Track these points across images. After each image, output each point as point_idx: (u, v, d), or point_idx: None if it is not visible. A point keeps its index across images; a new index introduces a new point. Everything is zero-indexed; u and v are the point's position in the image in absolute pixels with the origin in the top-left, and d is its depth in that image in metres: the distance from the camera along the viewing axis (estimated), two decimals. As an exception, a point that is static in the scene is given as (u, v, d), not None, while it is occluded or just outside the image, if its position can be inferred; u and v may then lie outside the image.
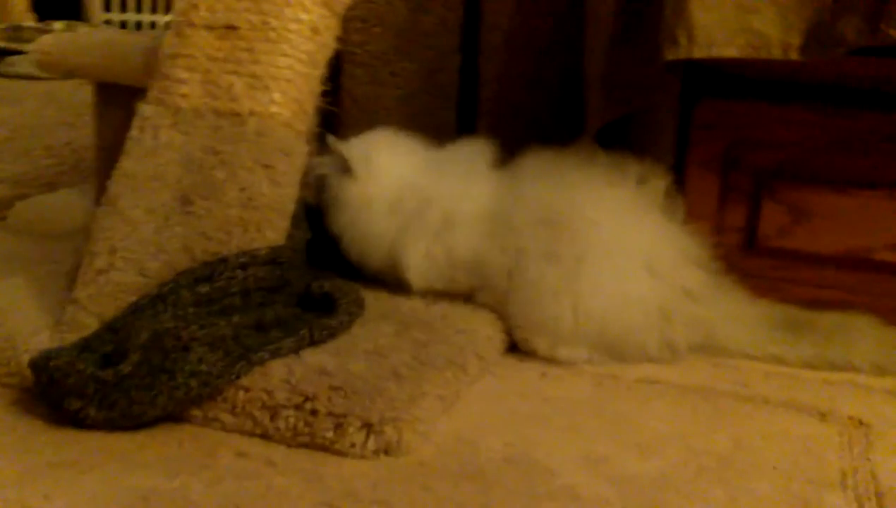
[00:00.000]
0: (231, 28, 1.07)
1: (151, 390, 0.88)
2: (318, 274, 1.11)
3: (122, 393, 0.87)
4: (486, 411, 0.99)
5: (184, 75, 1.06)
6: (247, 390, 0.91)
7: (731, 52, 1.08)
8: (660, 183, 1.15)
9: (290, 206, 1.05)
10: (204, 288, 0.97)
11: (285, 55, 1.05)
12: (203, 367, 0.89)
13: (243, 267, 1.00)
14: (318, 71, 1.09)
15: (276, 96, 1.04)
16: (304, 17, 1.07)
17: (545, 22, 1.41)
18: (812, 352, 1.12)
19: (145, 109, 1.07)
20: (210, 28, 1.07)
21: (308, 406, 0.89)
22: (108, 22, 4.51)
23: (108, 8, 4.57)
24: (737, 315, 1.15)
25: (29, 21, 4.13)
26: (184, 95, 1.06)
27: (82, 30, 3.98)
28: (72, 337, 0.96)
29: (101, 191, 1.57)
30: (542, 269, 1.09)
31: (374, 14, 1.46)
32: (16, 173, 1.97)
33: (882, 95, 1.15)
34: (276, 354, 0.94)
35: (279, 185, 1.03)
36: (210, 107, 1.05)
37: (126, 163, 1.05)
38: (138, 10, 4.61)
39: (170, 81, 1.07)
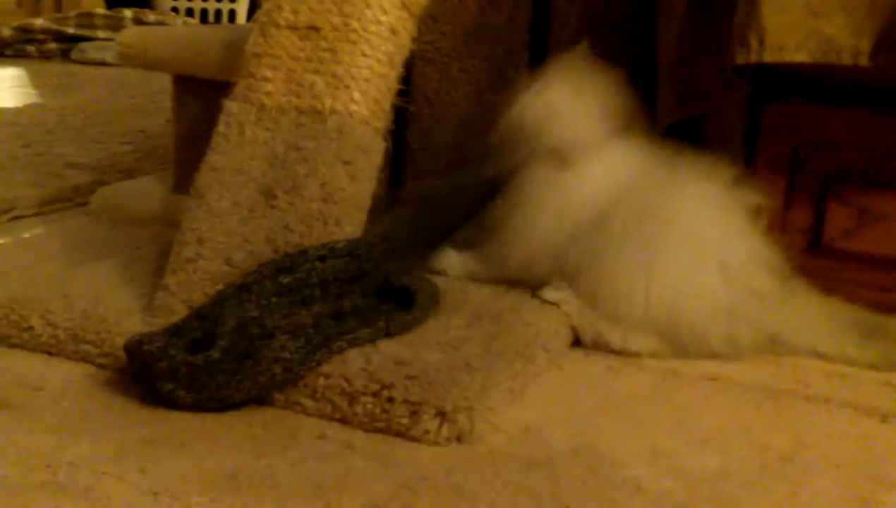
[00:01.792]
0: (313, 29, 1.11)
1: (237, 374, 0.93)
2: (397, 266, 1.15)
3: (210, 377, 0.93)
4: (553, 402, 1.02)
5: (268, 74, 1.11)
6: (327, 377, 0.96)
7: (801, 56, 1.10)
8: (740, 182, 1.17)
9: (368, 201, 1.09)
10: (286, 279, 1.02)
11: (365, 55, 1.10)
12: (286, 354, 0.94)
13: (322, 258, 1.05)
14: (396, 70, 1.13)
15: (356, 95, 1.09)
16: (383, 18, 1.11)
17: (615, 16, 1.43)
18: (879, 353, 1.14)
19: (231, 106, 1.12)
20: (293, 28, 1.12)
21: (385, 393, 0.93)
22: (174, 9, 4.60)
23: (174, -5, 4.67)
24: (804, 314, 1.17)
25: (99, 8, 4.24)
26: (268, 93, 1.10)
27: (160, 24, 4.08)
28: (162, 322, 1.02)
29: (178, 178, 1.64)
30: (621, 254, 1.13)
31: (445, 12, 1.49)
32: (94, 159, 2.05)
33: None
34: (353, 343, 0.99)
35: (358, 181, 1.07)
36: (293, 105, 1.09)
37: (213, 158, 1.10)
38: (205, -2, 4.70)
39: (255, 80, 1.12)
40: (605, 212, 1.16)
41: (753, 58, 1.09)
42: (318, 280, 1.04)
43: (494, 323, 1.10)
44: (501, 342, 1.05)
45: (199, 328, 0.98)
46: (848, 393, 1.08)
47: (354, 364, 0.97)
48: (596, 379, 1.09)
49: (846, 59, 1.09)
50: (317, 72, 1.10)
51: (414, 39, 1.21)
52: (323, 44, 1.11)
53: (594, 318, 1.15)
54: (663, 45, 1.31)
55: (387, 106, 1.12)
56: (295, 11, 1.13)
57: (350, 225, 1.07)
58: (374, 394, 0.93)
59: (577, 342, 1.17)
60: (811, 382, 1.11)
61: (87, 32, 4.02)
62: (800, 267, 1.19)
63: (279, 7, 1.13)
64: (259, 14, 1.15)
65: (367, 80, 1.10)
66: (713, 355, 1.13)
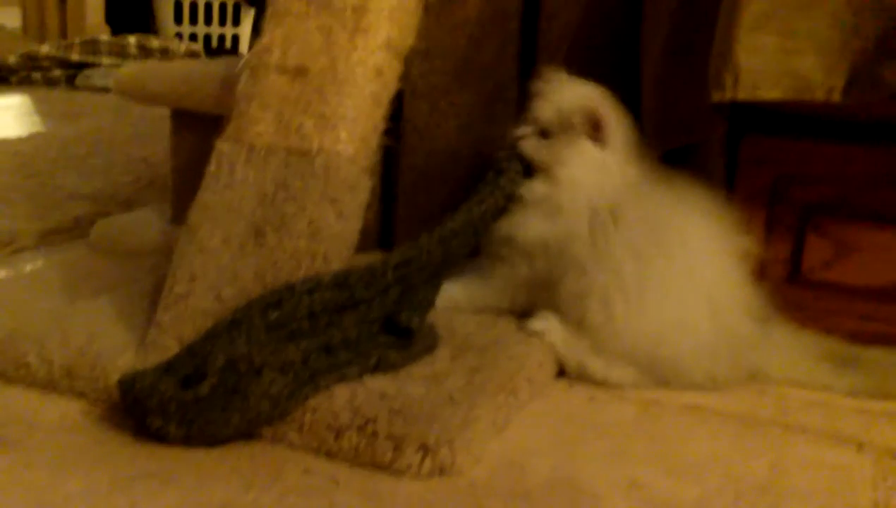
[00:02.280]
0: (302, 70, 1.15)
1: (226, 411, 0.96)
2: (409, 298, 1.16)
3: (200, 413, 0.96)
4: (535, 434, 1.05)
5: (258, 114, 1.15)
6: (313, 411, 0.99)
7: (775, 94, 1.12)
8: (734, 216, 1.20)
9: (355, 238, 1.13)
10: (274, 314, 1.05)
11: (351, 96, 1.13)
12: (274, 390, 0.97)
13: (309, 291, 1.07)
14: (382, 109, 1.16)
15: (343, 134, 1.12)
16: (369, 60, 1.14)
17: (602, 47, 1.46)
18: (854, 382, 1.17)
19: (223, 146, 1.15)
20: (283, 70, 1.15)
21: (369, 428, 0.96)
22: (178, 35, 4.66)
23: (178, 20, 4.73)
24: (783, 346, 1.19)
25: (104, 34, 4.30)
26: (258, 134, 1.14)
27: (164, 49, 4.13)
28: (154, 358, 1.05)
29: (176, 210, 1.67)
30: (614, 282, 1.15)
31: (436, 47, 1.52)
32: (95, 190, 2.09)
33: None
34: (341, 379, 1.02)
35: (345, 218, 1.11)
36: (282, 145, 1.13)
37: (205, 196, 1.13)
38: (207, 23, 4.76)
39: (245, 120, 1.15)
40: (603, 229, 1.18)
41: (728, 95, 1.12)
42: (306, 313, 1.07)
43: (479, 356, 1.13)
44: (485, 375, 1.08)
45: (191, 364, 1.01)
46: (825, 421, 1.11)
47: (340, 398, 0.99)
48: (578, 409, 1.12)
49: (820, 96, 1.12)
50: (305, 112, 1.13)
51: (402, 76, 1.25)
52: (311, 85, 1.14)
53: (578, 348, 1.18)
54: (646, 78, 1.34)
55: (373, 144, 1.16)
56: (284, 54, 1.16)
57: (337, 261, 1.10)
58: (359, 428, 0.96)
59: (562, 371, 1.20)
60: (790, 411, 1.13)
61: (91, 59, 4.07)
62: (780, 297, 1.22)
63: (269, 49, 1.17)
64: (250, 56, 1.19)
65: (353, 120, 1.13)
66: (693, 387, 1.16)
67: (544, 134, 1.26)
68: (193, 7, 4.75)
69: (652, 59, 1.29)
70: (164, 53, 4.18)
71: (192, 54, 4.24)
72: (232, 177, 1.13)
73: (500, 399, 1.05)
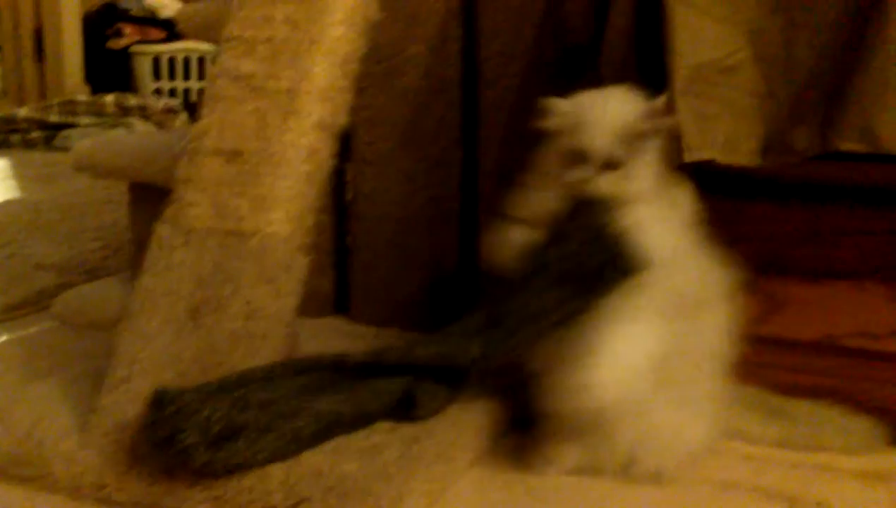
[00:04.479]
0: (237, 153, 1.18)
1: (254, 444, 1.01)
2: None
3: (233, 441, 1.00)
4: (472, 502, 1.07)
5: (195, 197, 1.18)
6: (249, 491, 1.01)
7: (711, 154, 1.16)
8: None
9: (292, 316, 1.15)
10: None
11: (285, 177, 1.16)
12: (305, 433, 1.05)
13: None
14: (316, 187, 1.19)
15: (278, 215, 1.15)
16: (301, 141, 1.18)
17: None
18: (781, 432, 1.20)
19: (162, 229, 1.18)
20: (218, 153, 1.19)
21: (304, 507, 0.98)
22: (157, 90, 4.72)
23: (157, 76, 4.79)
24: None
25: (82, 95, 4.35)
26: (196, 217, 1.17)
27: (142, 108, 4.18)
28: (98, 442, 1.07)
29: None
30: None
31: (380, 116, 1.57)
32: (63, 258, 2.12)
33: (846, 192, 1.23)
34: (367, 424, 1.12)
35: (281, 297, 1.13)
36: (219, 228, 1.16)
37: (145, 279, 1.16)
38: (186, 77, 4.82)
39: (183, 204, 1.18)
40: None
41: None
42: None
43: (418, 425, 1.15)
44: (422, 445, 1.10)
45: (227, 398, 1.03)
46: (758, 477, 1.13)
47: (275, 477, 1.02)
48: (515, 475, 1.14)
49: (741, 160, 1.16)
50: (241, 195, 1.16)
51: (351, 140, 1.28)
52: (246, 167, 1.18)
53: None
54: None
55: (308, 222, 1.19)
56: (220, 137, 1.20)
57: (276, 340, 1.13)
58: (293, 508, 0.99)
59: (504, 435, 1.22)
60: (724, 467, 1.15)
61: (69, 119, 4.12)
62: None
63: (206, 133, 1.21)
64: (188, 139, 1.22)
65: (288, 200, 1.16)
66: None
67: (610, 166, 1.07)
68: (171, 62, 4.82)
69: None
70: (142, 111, 4.24)
71: (170, 110, 4.30)
72: (171, 259, 1.16)
73: (437, 469, 1.08)
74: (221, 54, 1.25)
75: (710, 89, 1.16)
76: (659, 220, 1.09)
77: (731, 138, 1.16)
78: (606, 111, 1.07)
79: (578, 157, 1.08)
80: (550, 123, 1.11)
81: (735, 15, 1.15)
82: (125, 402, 1.09)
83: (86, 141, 1.77)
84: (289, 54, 1.21)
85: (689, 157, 1.16)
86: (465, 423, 1.18)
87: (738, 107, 1.16)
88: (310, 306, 1.63)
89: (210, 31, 1.49)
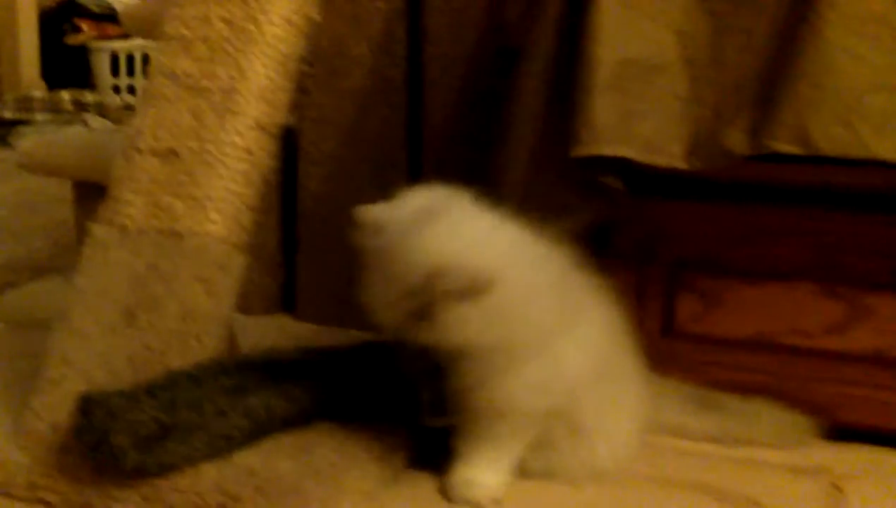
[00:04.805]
0: (173, 152, 1.18)
1: (184, 444, 1.01)
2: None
3: (164, 441, 1.01)
4: (410, 503, 1.07)
5: (130, 197, 1.17)
6: (181, 491, 1.01)
7: (629, 152, 1.16)
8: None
9: (228, 316, 1.15)
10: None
11: (221, 177, 1.16)
12: (236, 432, 1.05)
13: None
14: (253, 188, 1.19)
15: (213, 215, 1.15)
16: (238, 140, 1.17)
17: (484, 120, 1.51)
18: (715, 426, 1.22)
19: (97, 229, 1.18)
20: (154, 153, 1.18)
21: (233, 506, 0.98)
22: (115, 87, 4.67)
23: (115, 73, 4.74)
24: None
25: (38, 90, 4.30)
26: (130, 216, 1.17)
27: (99, 104, 4.13)
28: (29, 444, 1.06)
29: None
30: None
31: (325, 116, 1.57)
32: (11, 258, 2.10)
33: (780, 193, 1.24)
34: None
35: (216, 297, 1.13)
36: (153, 227, 1.15)
37: (79, 280, 1.16)
38: (144, 74, 4.77)
39: (118, 203, 1.18)
40: None
41: (585, 150, 1.13)
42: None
43: (354, 423, 1.15)
44: (359, 444, 1.10)
45: (154, 400, 1.03)
46: (690, 473, 1.14)
47: (207, 477, 1.02)
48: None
49: (663, 161, 1.16)
50: (176, 194, 1.16)
51: (298, 140, 1.27)
52: (182, 167, 1.17)
53: None
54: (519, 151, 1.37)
55: (245, 222, 1.18)
56: (155, 136, 1.19)
57: (210, 340, 1.12)
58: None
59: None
60: (658, 464, 1.17)
61: (25, 116, 4.07)
62: (656, 350, 1.25)
63: (141, 132, 1.20)
64: (123, 139, 1.21)
65: (223, 200, 1.16)
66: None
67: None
68: (130, 59, 4.77)
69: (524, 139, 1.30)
70: (100, 108, 4.20)
71: (128, 107, 4.26)
72: (105, 259, 1.15)
73: (372, 468, 1.08)
74: (159, 53, 1.25)
75: (637, 86, 1.15)
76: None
77: (654, 138, 1.15)
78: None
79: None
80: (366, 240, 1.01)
81: (663, 15, 1.15)
82: (57, 404, 1.08)
83: (29, 139, 1.75)
84: (226, 53, 1.21)
85: (597, 150, 1.13)
86: (401, 422, 1.18)
87: (665, 108, 1.16)
88: (257, 304, 1.64)
89: (152, 28, 1.48)
